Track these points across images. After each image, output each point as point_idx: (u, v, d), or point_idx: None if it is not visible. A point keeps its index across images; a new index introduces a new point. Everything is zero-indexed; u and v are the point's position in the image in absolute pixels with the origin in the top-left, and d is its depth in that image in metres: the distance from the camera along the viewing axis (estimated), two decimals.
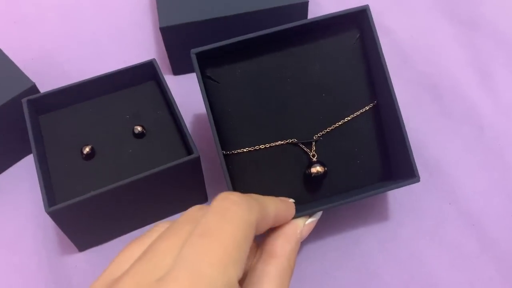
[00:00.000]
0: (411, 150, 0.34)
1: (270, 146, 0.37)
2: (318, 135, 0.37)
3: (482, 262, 0.37)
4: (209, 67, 0.37)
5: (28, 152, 0.44)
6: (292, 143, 0.37)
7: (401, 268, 0.37)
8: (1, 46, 0.43)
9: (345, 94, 0.38)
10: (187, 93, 0.47)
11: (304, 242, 0.38)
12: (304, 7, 0.45)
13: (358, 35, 0.38)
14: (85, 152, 0.37)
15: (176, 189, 0.37)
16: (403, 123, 0.35)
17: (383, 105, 0.37)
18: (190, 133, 0.36)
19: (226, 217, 0.23)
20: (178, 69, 0.48)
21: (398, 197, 0.40)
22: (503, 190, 0.40)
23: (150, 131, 0.39)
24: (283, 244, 0.29)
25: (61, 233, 0.39)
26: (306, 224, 0.32)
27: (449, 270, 0.37)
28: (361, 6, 0.37)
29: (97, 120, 0.39)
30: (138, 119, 0.39)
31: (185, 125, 0.37)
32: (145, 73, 0.40)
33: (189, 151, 0.36)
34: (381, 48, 0.36)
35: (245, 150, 0.36)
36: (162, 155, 0.37)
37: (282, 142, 0.37)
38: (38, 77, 0.42)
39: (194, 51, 0.36)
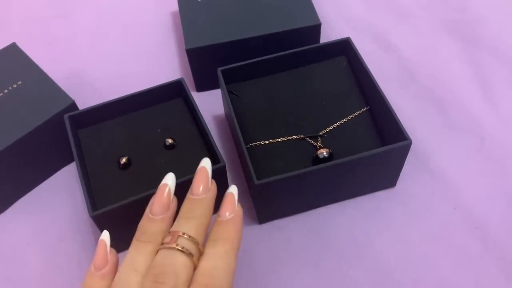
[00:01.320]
0: (400, 122, 0.39)
1: (282, 140, 0.43)
2: (323, 132, 0.43)
3: (485, 263, 0.40)
4: (231, 83, 0.46)
5: (65, 164, 0.47)
6: (301, 138, 0.43)
7: (411, 268, 0.40)
8: None
9: (342, 102, 0.45)
10: (208, 107, 0.51)
11: (323, 244, 0.41)
12: (317, 29, 0.49)
13: (346, 61, 0.48)
14: (122, 162, 0.41)
15: None
16: (390, 105, 0.41)
17: (375, 107, 0.44)
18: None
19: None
20: (201, 86, 0.52)
21: (407, 202, 0.43)
22: (504, 195, 0.43)
23: (179, 143, 0.42)
24: None
25: (99, 237, 0.42)
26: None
27: (455, 270, 0.39)
28: (344, 38, 0.46)
29: (131, 133, 0.43)
30: (168, 132, 0.43)
31: (212, 136, 0.40)
32: (173, 90, 0.44)
33: (215, 160, 0.40)
34: (368, 68, 0.44)
35: (262, 143, 0.43)
36: (191, 164, 0.41)
37: (292, 137, 0.43)
38: (71, 94, 0.45)
39: (220, 69, 0.43)
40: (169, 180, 0.31)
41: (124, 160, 0.41)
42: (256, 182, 0.37)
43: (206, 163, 0.32)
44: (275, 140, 0.43)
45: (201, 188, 0.31)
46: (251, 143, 0.43)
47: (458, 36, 0.56)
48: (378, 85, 0.42)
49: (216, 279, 0.27)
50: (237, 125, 0.41)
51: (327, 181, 0.40)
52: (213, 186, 0.31)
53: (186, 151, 0.42)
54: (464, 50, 0.55)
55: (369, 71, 0.43)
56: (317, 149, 0.41)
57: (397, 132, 0.39)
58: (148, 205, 0.31)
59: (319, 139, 0.43)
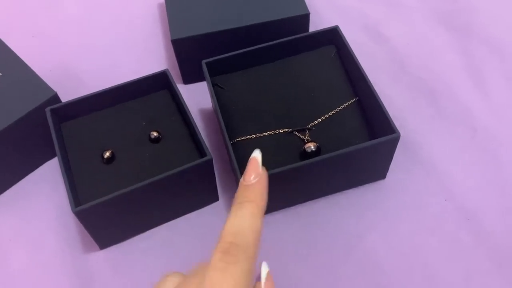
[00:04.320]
0: (388, 114, 0.38)
1: (269, 134, 0.42)
2: (311, 124, 0.42)
3: (476, 254, 0.39)
4: (216, 75, 0.45)
5: (48, 158, 0.46)
6: (288, 132, 0.42)
7: (402, 260, 0.39)
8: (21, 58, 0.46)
9: (330, 93, 0.44)
10: (196, 100, 0.50)
11: (312, 238, 0.41)
12: (306, 19, 0.48)
13: (335, 51, 0.46)
14: (105, 156, 0.40)
15: (190, 189, 0.40)
16: (379, 96, 0.40)
17: (364, 99, 0.43)
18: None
19: (226, 273, 0.27)
20: (188, 78, 0.51)
21: (398, 195, 0.43)
22: (496, 186, 0.43)
23: (165, 136, 0.42)
24: None
25: (82, 231, 0.42)
26: None
27: (446, 262, 0.39)
28: (332, 26, 0.45)
29: (115, 126, 0.42)
30: (153, 125, 0.42)
31: (198, 129, 0.39)
32: (159, 82, 0.43)
33: (202, 154, 0.39)
34: (356, 57, 0.43)
35: (248, 138, 0.42)
36: (177, 158, 0.40)
37: (280, 131, 0.42)
38: (56, 87, 0.44)
39: (205, 61, 0.42)
40: (257, 154, 0.32)
41: (108, 153, 0.40)
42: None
43: (256, 154, 0.32)
44: (262, 134, 0.42)
45: (252, 177, 0.31)
46: (237, 138, 0.42)
47: (450, 26, 0.55)
48: (366, 76, 0.41)
49: (241, 238, 0.28)
50: (221, 120, 0.40)
51: (315, 176, 0.39)
52: (264, 173, 0.32)
53: (171, 144, 0.41)
54: (455, 40, 0.54)
55: (358, 60, 0.42)
56: (305, 143, 0.41)
57: (385, 124, 0.39)
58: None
59: (307, 132, 0.42)
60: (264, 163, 0.40)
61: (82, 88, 0.49)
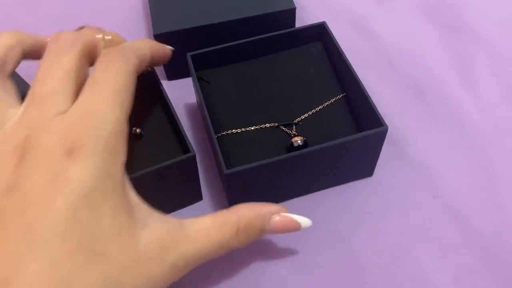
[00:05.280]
0: (376, 108, 0.38)
1: (255, 129, 0.41)
2: (298, 119, 0.42)
3: (465, 253, 0.38)
4: (201, 69, 0.44)
5: None
6: (275, 126, 0.41)
7: (389, 260, 0.38)
8: None
9: (317, 89, 0.43)
10: (180, 96, 0.49)
11: (297, 236, 0.39)
12: (292, 13, 0.47)
13: (322, 47, 0.46)
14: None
15: (172, 188, 0.39)
16: (366, 91, 0.39)
17: (351, 94, 0.42)
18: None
19: (108, 70, 0.29)
20: (172, 74, 0.50)
21: (385, 193, 0.42)
22: (485, 184, 0.42)
23: (147, 132, 0.40)
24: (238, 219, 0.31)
25: None
26: (278, 216, 0.33)
27: (434, 261, 0.38)
28: (319, 22, 0.44)
29: None
30: (135, 121, 0.41)
31: (182, 126, 0.38)
32: (142, 78, 0.42)
33: (185, 150, 0.38)
34: (343, 52, 0.42)
35: (233, 132, 0.41)
36: (160, 154, 0.39)
37: (266, 125, 0.42)
38: None
39: (190, 54, 0.41)
40: None
41: None
42: (226, 171, 0.35)
43: None
44: (247, 129, 0.41)
45: None
46: (222, 132, 0.41)
47: (438, 23, 0.55)
48: (354, 71, 0.40)
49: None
50: (207, 113, 0.39)
51: (301, 170, 0.38)
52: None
53: (154, 141, 0.40)
54: (444, 36, 0.54)
55: (345, 55, 0.42)
56: (292, 137, 0.40)
57: (373, 118, 0.38)
58: None
59: (294, 127, 0.41)
60: (250, 157, 0.40)
61: None
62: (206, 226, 0.30)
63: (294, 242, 0.39)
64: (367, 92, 0.39)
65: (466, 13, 0.55)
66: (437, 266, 0.38)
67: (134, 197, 0.28)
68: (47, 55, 0.30)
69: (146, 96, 0.42)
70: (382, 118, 0.37)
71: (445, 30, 0.54)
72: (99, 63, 0.30)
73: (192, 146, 0.37)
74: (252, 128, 0.41)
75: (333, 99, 0.43)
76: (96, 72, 0.29)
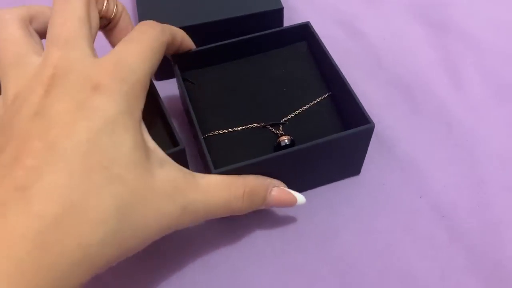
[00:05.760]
0: (362, 105, 0.38)
1: (242, 129, 0.41)
2: (284, 119, 0.42)
3: (452, 251, 0.39)
4: (187, 70, 0.44)
5: None
6: (261, 126, 0.42)
7: (376, 259, 0.39)
8: None
9: (303, 89, 0.43)
10: (166, 97, 0.48)
11: (285, 236, 0.39)
12: (279, 13, 0.47)
13: (307, 47, 0.46)
14: None
15: None
16: (352, 89, 0.39)
17: (337, 93, 0.42)
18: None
19: (145, 33, 0.32)
20: (159, 74, 0.50)
21: (373, 192, 0.42)
22: (471, 183, 0.42)
23: None
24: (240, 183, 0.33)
25: None
26: (279, 189, 0.36)
27: (421, 260, 0.38)
28: (303, 22, 0.44)
29: None
30: None
31: (172, 121, 0.38)
32: None
33: (175, 144, 0.38)
34: (328, 52, 0.42)
35: (220, 132, 0.41)
36: None
37: (252, 125, 0.42)
38: None
39: (173, 55, 0.41)
40: None
41: None
42: (213, 171, 0.35)
43: None
44: (234, 129, 0.41)
45: None
46: (209, 133, 0.41)
47: (426, 22, 0.55)
48: (339, 69, 0.40)
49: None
50: (193, 114, 0.39)
51: (288, 169, 0.38)
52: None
53: None
54: (432, 35, 0.54)
55: (329, 55, 0.42)
56: (279, 137, 0.40)
57: (359, 116, 0.38)
58: None
59: (281, 126, 0.41)
60: (237, 157, 0.39)
61: None
62: (216, 182, 0.32)
63: (281, 241, 0.39)
64: (352, 90, 0.39)
65: (454, 13, 0.56)
66: (424, 264, 0.38)
67: (151, 142, 0.30)
68: (57, 2, 0.31)
69: None
70: (369, 115, 0.37)
71: (433, 30, 0.54)
72: (138, 27, 0.32)
73: (181, 141, 0.37)
74: (239, 129, 0.41)
75: (319, 99, 0.43)
76: (134, 32, 0.32)
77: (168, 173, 0.29)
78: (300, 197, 0.37)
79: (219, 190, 0.31)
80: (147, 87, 0.31)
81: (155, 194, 0.27)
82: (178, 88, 0.43)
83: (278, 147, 0.39)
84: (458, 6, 0.56)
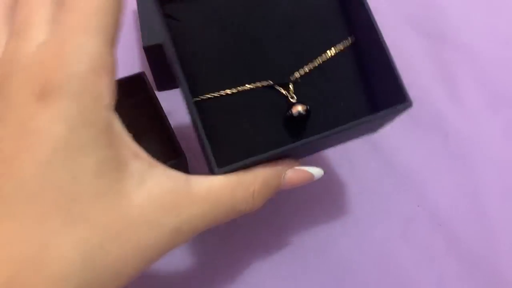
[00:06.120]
0: (399, 75, 0.31)
1: (244, 90, 0.32)
2: (296, 76, 0.33)
3: (448, 259, 0.39)
4: (168, 3, 0.33)
5: None
6: (268, 86, 0.32)
7: (374, 266, 0.39)
8: None
9: (320, 30, 0.34)
10: (170, 108, 0.49)
11: (282, 243, 0.40)
12: None
13: None
14: None
15: None
16: (389, 52, 0.32)
17: (363, 40, 0.34)
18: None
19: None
20: (162, 85, 0.50)
21: (371, 200, 0.43)
22: (467, 192, 0.43)
23: (137, 136, 0.41)
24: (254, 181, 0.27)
25: None
26: (292, 171, 0.29)
27: (418, 267, 0.39)
28: None
29: None
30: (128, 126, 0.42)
31: (173, 131, 0.39)
32: (135, 85, 0.43)
33: (176, 153, 0.39)
34: None
35: (216, 95, 0.32)
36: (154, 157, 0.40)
37: (257, 85, 0.32)
38: None
39: None
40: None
41: None
42: (217, 171, 0.27)
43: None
44: (233, 90, 0.32)
45: None
46: (202, 95, 0.32)
47: (423, 32, 0.56)
48: (368, 7, 0.32)
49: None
50: (179, 70, 0.28)
51: (304, 151, 0.33)
52: None
53: (147, 146, 0.41)
54: (428, 46, 0.55)
55: None
56: (291, 104, 0.32)
57: (392, 84, 0.31)
58: None
59: (291, 86, 0.33)
60: (240, 137, 0.32)
61: None
62: (219, 186, 0.26)
63: (276, 249, 0.40)
64: (384, 42, 0.32)
65: (450, 23, 0.56)
66: (421, 272, 0.39)
67: (129, 147, 0.24)
68: None
69: (136, 101, 0.43)
70: (406, 91, 0.31)
71: (429, 40, 0.55)
72: None
73: (182, 150, 0.38)
74: (239, 89, 0.32)
75: (340, 46, 0.34)
76: None
77: (152, 189, 0.23)
78: (317, 172, 0.31)
79: (222, 195, 0.26)
80: (110, 68, 0.23)
81: (135, 225, 0.22)
82: (159, 26, 0.31)
83: (291, 118, 0.32)
84: (454, 16, 0.57)
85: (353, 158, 0.44)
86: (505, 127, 0.47)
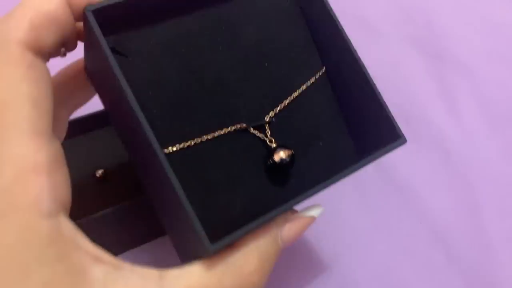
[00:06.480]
0: (388, 109, 0.28)
1: (214, 137, 0.27)
2: (270, 115, 0.28)
3: (449, 274, 0.41)
4: (114, 33, 0.26)
5: None
6: (240, 129, 0.27)
7: (377, 281, 0.40)
8: None
9: (291, 62, 0.30)
10: None
11: (287, 258, 0.40)
12: None
13: None
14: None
15: (136, 224, 0.40)
16: (373, 81, 0.29)
17: (340, 68, 0.30)
18: None
19: None
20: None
21: (373, 216, 0.44)
22: (468, 209, 0.44)
23: (114, 172, 0.41)
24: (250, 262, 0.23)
25: None
26: (289, 226, 0.25)
27: (419, 282, 0.40)
28: None
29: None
30: (99, 163, 0.42)
31: None
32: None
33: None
34: (331, 7, 0.30)
35: (183, 147, 0.26)
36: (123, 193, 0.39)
37: (228, 130, 0.27)
38: None
39: (89, 8, 0.23)
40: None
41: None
42: (211, 248, 0.21)
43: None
44: (202, 139, 0.26)
45: None
46: (168, 147, 0.25)
47: (424, 52, 0.57)
48: (344, 32, 0.28)
49: None
50: (142, 117, 0.22)
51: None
52: None
53: (120, 179, 0.41)
54: (429, 65, 0.56)
55: (329, 6, 0.29)
56: (271, 150, 0.27)
57: (377, 110, 0.28)
58: None
59: (267, 127, 0.28)
60: (216, 182, 0.26)
61: None
62: (198, 283, 0.21)
63: (281, 264, 0.40)
64: (364, 67, 0.28)
65: (451, 43, 0.58)
66: (422, 285, 0.40)
67: (86, 251, 0.20)
68: None
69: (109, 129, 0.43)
70: (398, 126, 0.28)
71: (430, 60, 0.56)
72: None
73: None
74: (209, 137, 0.27)
75: (314, 77, 0.30)
76: None
77: None
78: (316, 212, 0.27)
79: None
80: (45, 165, 0.18)
81: None
82: (106, 62, 0.23)
83: (273, 165, 0.27)
84: (455, 36, 0.59)
85: (355, 176, 0.45)
86: (504, 146, 0.49)
